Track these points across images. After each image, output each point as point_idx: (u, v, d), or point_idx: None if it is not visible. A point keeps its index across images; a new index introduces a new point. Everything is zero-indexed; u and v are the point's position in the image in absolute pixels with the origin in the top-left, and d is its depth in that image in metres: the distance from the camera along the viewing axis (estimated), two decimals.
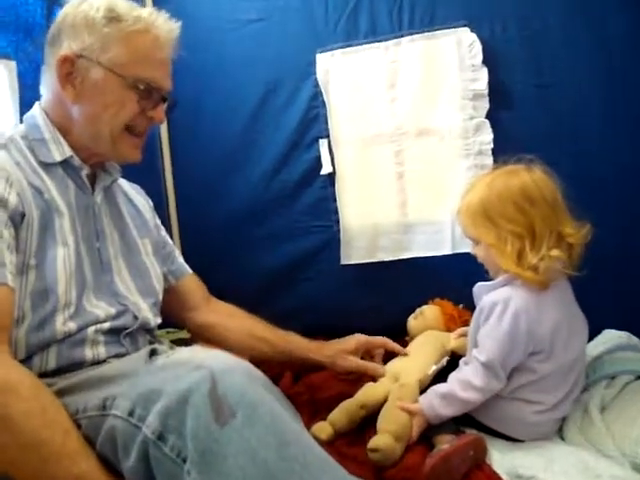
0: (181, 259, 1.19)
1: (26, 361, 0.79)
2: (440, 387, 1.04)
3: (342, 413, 1.09)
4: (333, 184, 1.55)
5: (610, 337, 1.25)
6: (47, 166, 0.89)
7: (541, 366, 1.00)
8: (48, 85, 0.94)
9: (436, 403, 1.02)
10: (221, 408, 0.60)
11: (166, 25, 0.93)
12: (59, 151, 0.90)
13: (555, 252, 0.99)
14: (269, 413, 0.62)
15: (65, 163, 0.91)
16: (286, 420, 0.63)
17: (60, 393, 0.74)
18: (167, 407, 0.62)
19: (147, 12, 0.91)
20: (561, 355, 1.00)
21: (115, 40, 0.88)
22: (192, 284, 1.16)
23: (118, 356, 0.89)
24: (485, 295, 1.04)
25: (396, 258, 1.53)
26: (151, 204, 1.18)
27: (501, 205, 1.01)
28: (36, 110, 0.94)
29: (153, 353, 0.74)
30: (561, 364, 1.00)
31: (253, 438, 0.59)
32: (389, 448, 0.96)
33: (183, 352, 0.73)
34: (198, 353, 0.72)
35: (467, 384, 1.00)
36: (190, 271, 1.17)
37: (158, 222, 1.18)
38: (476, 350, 1.02)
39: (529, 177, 1.03)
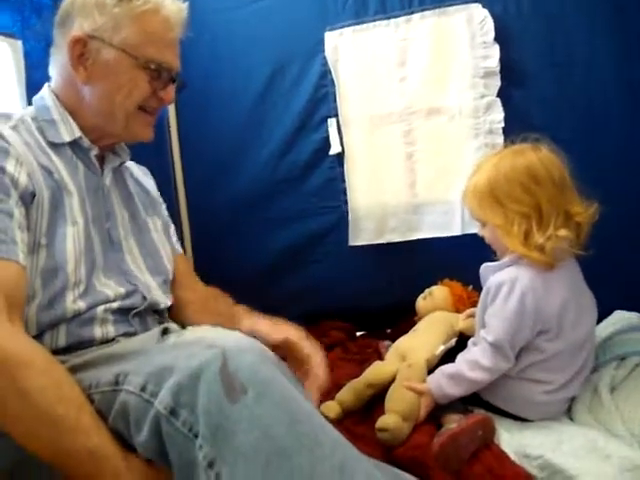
0: (175, 237, 1.19)
1: (36, 339, 0.79)
2: (448, 367, 1.04)
3: (350, 392, 1.10)
4: (342, 164, 1.54)
5: (620, 318, 1.25)
6: (56, 146, 0.89)
7: (549, 345, 0.99)
8: (58, 66, 0.93)
9: (444, 383, 1.02)
10: (232, 385, 0.60)
11: (175, 5, 0.93)
12: (68, 132, 0.90)
13: (562, 232, 0.98)
14: (280, 391, 0.62)
15: (74, 144, 0.92)
16: (297, 398, 0.63)
17: (73, 370, 0.75)
18: (179, 383, 0.63)
19: None
20: (569, 334, 1.00)
21: (126, 20, 0.87)
22: (180, 263, 1.14)
23: (127, 335, 0.90)
24: (491, 275, 1.04)
25: (405, 239, 1.52)
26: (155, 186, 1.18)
27: (508, 185, 1.00)
28: (45, 91, 0.94)
29: (165, 332, 0.75)
30: (570, 343, 1.00)
31: (264, 415, 0.59)
32: (397, 428, 0.97)
33: (195, 331, 0.74)
34: (210, 332, 0.72)
35: (475, 364, 1.00)
36: (180, 250, 1.16)
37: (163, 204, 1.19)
38: (484, 330, 1.02)
39: (535, 156, 1.01)
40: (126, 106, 0.90)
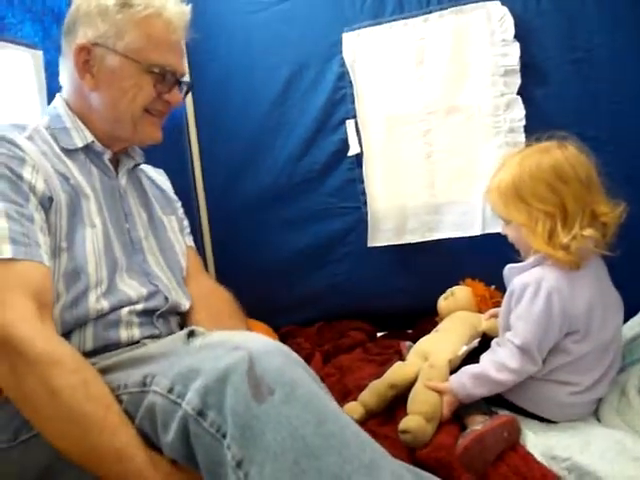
0: (187, 230, 1.18)
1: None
2: (473, 367, 1.03)
3: (372, 393, 1.10)
4: (360, 165, 1.53)
5: None
6: (70, 152, 0.92)
7: (577, 347, 0.98)
8: (66, 75, 0.96)
9: (468, 382, 1.01)
10: (259, 386, 0.61)
11: (177, 8, 0.94)
12: (80, 137, 0.93)
13: (588, 231, 0.96)
14: (307, 392, 0.62)
15: (87, 149, 0.94)
16: (324, 399, 0.64)
17: (101, 371, 0.76)
18: (206, 385, 0.63)
19: None
20: (597, 335, 0.98)
21: (128, 26, 0.89)
22: (188, 256, 1.12)
23: (152, 337, 0.92)
24: (516, 277, 1.03)
25: (425, 239, 1.51)
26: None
27: (533, 184, 0.99)
28: (57, 101, 0.97)
29: (191, 334, 0.76)
30: (596, 344, 0.98)
31: (291, 415, 0.60)
32: (420, 429, 0.96)
33: (221, 334, 0.74)
34: (236, 335, 0.73)
35: (502, 365, 0.98)
36: (190, 244, 1.16)
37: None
38: (510, 333, 1.00)
39: (562, 155, 1.00)
40: (132, 110, 0.92)
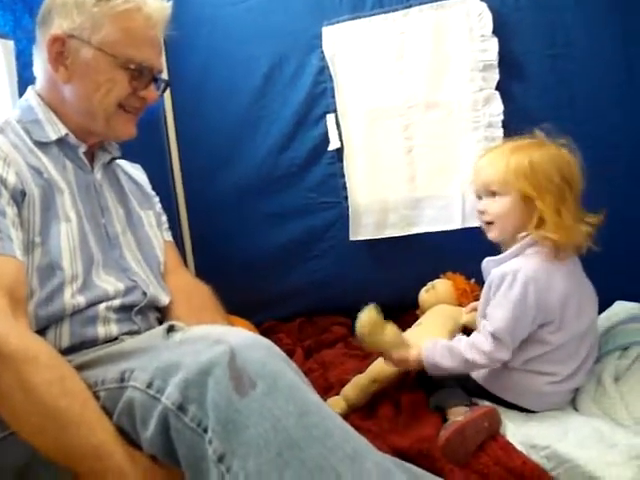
0: (165, 226, 1.17)
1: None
2: (447, 340, 1.05)
3: (355, 388, 1.10)
4: (341, 160, 1.53)
5: (622, 309, 1.25)
6: (43, 145, 0.90)
7: (553, 337, 0.99)
8: (40, 66, 0.94)
9: (438, 351, 1.02)
10: (241, 379, 0.61)
11: (157, 3, 0.92)
12: (54, 130, 0.91)
13: (584, 227, 0.99)
14: (289, 384, 0.62)
15: (61, 142, 0.92)
16: (306, 391, 0.63)
17: (79, 368, 0.75)
18: (186, 379, 0.63)
19: None
20: (573, 325, 1.00)
21: (105, 19, 0.87)
22: (167, 250, 1.10)
23: (130, 333, 0.90)
24: (494, 269, 1.04)
25: (405, 233, 1.52)
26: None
27: (550, 168, 1.00)
28: (29, 93, 0.94)
29: (171, 329, 0.75)
30: (573, 334, 1.00)
31: (274, 407, 0.59)
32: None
33: (201, 328, 0.74)
34: (216, 329, 0.72)
35: (473, 345, 1.00)
36: (168, 238, 1.15)
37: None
38: (485, 321, 1.02)
39: (571, 158, 1.02)
40: (105, 105, 0.90)
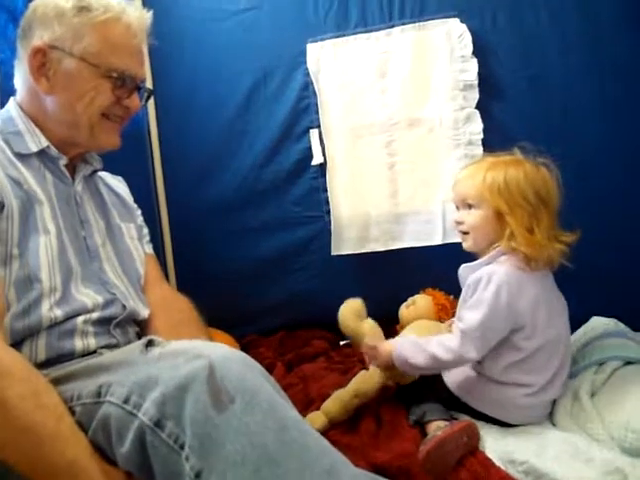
0: (147, 239, 1.16)
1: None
2: (418, 338, 1.08)
3: (336, 402, 1.10)
4: (324, 174, 1.55)
5: (598, 324, 1.28)
6: (23, 157, 0.89)
7: (526, 343, 1.02)
8: (21, 78, 0.93)
9: (406, 345, 1.05)
10: (219, 394, 0.60)
11: (137, 13, 0.93)
12: (35, 142, 0.90)
13: (558, 245, 1.03)
14: (267, 399, 0.62)
15: (42, 154, 0.91)
16: (284, 406, 0.63)
17: (55, 382, 0.74)
18: (164, 394, 0.62)
19: (116, 1, 0.91)
20: (543, 332, 1.02)
21: (86, 29, 0.87)
22: (147, 263, 1.10)
23: (109, 347, 0.89)
24: (470, 275, 1.06)
25: (387, 248, 1.53)
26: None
27: (525, 185, 1.03)
28: (10, 104, 0.94)
29: (150, 344, 0.74)
30: (544, 341, 1.03)
31: (252, 423, 0.59)
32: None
33: (181, 343, 0.73)
34: (195, 344, 0.71)
35: (441, 342, 1.03)
36: (149, 251, 1.14)
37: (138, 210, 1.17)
38: (458, 321, 1.05)
39: (548, 176, 1.05)
40: (88, 114, 0.90)
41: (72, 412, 0.70)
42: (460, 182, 1.11)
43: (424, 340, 1.05)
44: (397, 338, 1.16)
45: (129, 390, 0.65)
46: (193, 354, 0.66)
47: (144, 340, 0.75)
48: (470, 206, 1.08)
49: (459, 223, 1.11)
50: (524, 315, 1.01)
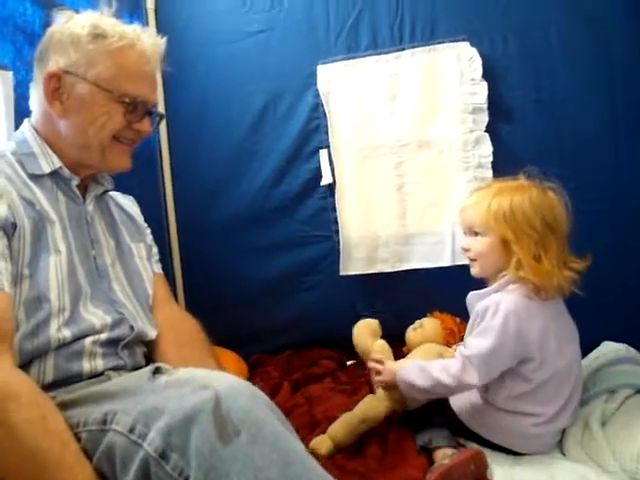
0: (156, 258, 1.16)
1: (23, 371, 0.78)
2: (422, 361, 1.09)
3: (342, 427, 1.09)
4: (333, 195, 1.55)
5: (609, 349, 1.26)
6: (36, 178, 0.90)
7: (535, 375, 1.00)
8: (36, 101, 0.95)
9: (411, 368, 1.06)
10: (225, 426, 0.60)
11: (151, 39, 0.95)
12: (48, 163, 0.91)
13: (567, 272, 1.02)
14: (273, 433, 0.62)
15: (55, 174, 0.92)
16: (289, 440, 0.63)
17: (62, 406, 0.74)
18: (170, 425, 0.62)
19: (132, 28, 0.93)
20: (554, 362, 1.01)
21: (101, 56, 0.89)
22: (155, 283, 1.10)
23: (116, 369, 0.89)
24: (477, 303, 1.06)
25: (395, 269, 1.53)
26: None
27: (531, 212, 1.02)
28: (25, 126, 0.96)
29: (157, 371, 0.74)
30: (555, 372, 1.01)
31: (257, 457, 0.59)
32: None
33: (187, 371, 0.73)
34: (202, 373, 0.71)
35: (444, 367, 1.03)
36: (158, 271, 1.14)
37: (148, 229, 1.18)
38: (462, 347, 1.04)
39: (556, 200, 1.05)
40: (100, 138, 0.91)
41: (78, 438, 0.70)
42: (466, 209, 1.11)
43: (428, 364, 1.05)
44: (403, 360, 1.16)
45: (135, 419, 0.65)
46: (199, 384, 0.66)
47: (151, 367, 0.75)
48: (476, 233, 1.08)
49: (466, 250, 1.11)
50: (533, 345, 1.00)
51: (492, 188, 1.09)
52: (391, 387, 1.10)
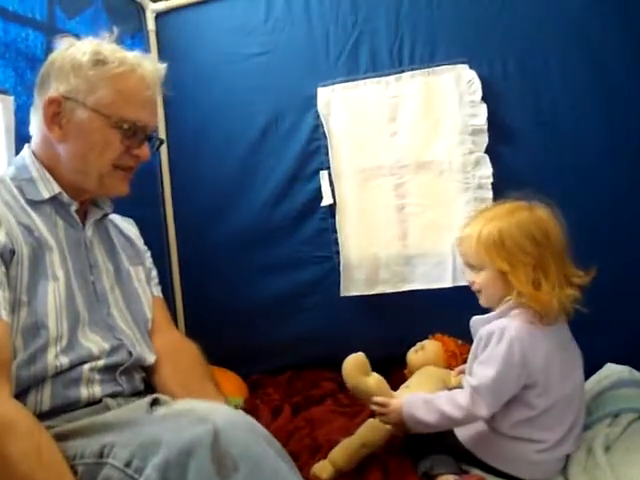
0: (155, 281, 1.16)
1: (18, 399, 0.77)
2: (427, 394, 1.05)
3: (343, 452, 1.08)
4: (334, 215, 1.55)
5: (612, 371, 1.25)
6: (35, 204, 0.90)
7: (539, 401, 0.99)
8: (36, 126, 0.96)
9: (417, 404, 1.02)
10: (224, 462, 0.59)
11: (151, 65, 0.96)
12: (47, 189, 0.92)
13: (569, 290, 1.00)
14: (271, 468, 0.61)
15: (54, 200, 0.93)
16: (288, 474, 0.62)
17: (59, 437, 0.73)
18: (167, 460, 0.61)
19: (132, 54, 0.94)
20: (557, 388, 1.00)
21: (101, 82, 0.90)
22: (154, 307, 1.09)
23: (114, 395, 0.88)
24: (481, 328, 1.05)
25: (396, 290, 1.52)
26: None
27: (520, 236, 1.01)
28: (25, 151, 0.96)
29: (155, 403, 0.73)
30: (559, 398, 1.00)
31: None
32: None
33: (186, 403, 0.72)
34: (200, 405, 0.71)
35: (452, 399, 1.00)
36: (157, 294, 1.14)
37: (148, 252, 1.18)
38: (470, 377, 1.02)
39: (545, 214, 1.04)
40: (99, 165, 0.92)
41: (74, 471, 0.69)
42: (461, 242, 1.11)
43: (434, 396, 1.03)
44: (403, 391, 1.13)
45: (131, 453, 0.64)
46: (197, 417, 0.65)
47: (149, 399, 0.74)
48: (474, 267, 1.08)
49: (471, 283, 1.11)
50: (537, 372, 0.99)
51: (482, 217, 1.09)
52: (398, 423, 1.06)
